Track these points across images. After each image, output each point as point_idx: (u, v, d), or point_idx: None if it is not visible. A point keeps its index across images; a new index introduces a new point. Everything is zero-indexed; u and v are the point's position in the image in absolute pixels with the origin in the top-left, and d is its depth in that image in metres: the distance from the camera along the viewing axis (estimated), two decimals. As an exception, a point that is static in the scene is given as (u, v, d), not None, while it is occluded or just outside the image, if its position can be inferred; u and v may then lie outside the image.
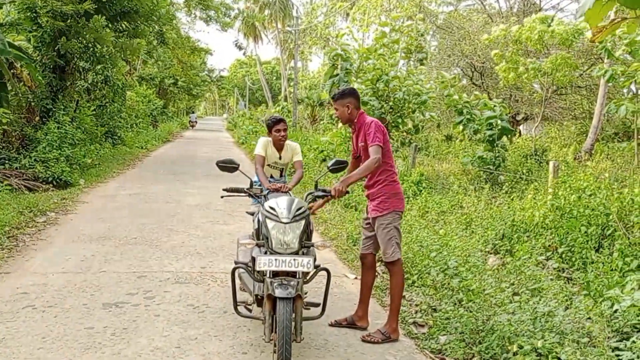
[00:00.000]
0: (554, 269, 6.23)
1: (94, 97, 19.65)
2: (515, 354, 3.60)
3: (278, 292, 3.28)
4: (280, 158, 5.21)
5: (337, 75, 16.07)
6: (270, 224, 3.55)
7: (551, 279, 5.64)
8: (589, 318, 4.08)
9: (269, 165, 5.24)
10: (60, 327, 4.18)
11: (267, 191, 4.25)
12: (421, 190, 10.99)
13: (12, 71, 14.55)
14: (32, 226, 7.49)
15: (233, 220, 8.47)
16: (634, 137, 12.38)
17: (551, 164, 8.89)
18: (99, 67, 18.08)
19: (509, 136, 14.78)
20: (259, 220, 3.83)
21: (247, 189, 4.10)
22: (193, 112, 57.45)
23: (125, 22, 15.99)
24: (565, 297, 4.76)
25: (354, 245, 7.08)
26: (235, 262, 4.22)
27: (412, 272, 5.58)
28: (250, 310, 3.95)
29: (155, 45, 18.27)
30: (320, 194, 4.01)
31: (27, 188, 10.48)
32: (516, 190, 11.75)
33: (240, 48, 55.77)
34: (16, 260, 5.95)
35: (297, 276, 3.49)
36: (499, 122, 13.43)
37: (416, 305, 4.89)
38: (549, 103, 20.99)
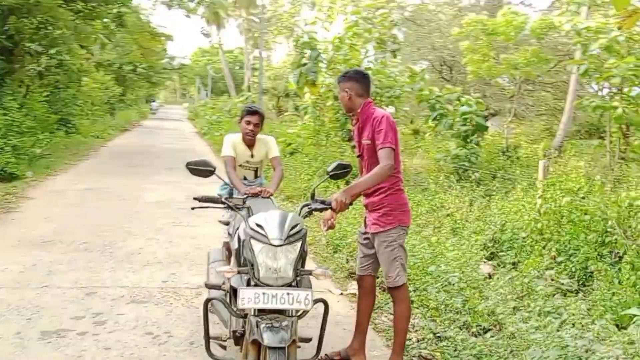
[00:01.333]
0: (555, 280, 5.66)
1: (47, 82, 18.39)
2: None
3: (268, 340, 2.49)
4: (252, 156, 4.41)
5: (305, 64, 15.30)
6: (256, 246, 2.68)
7: (560, 294, 5.08)
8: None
9: (240, 165, 4.39)
10: (-17, 367, 3.35)
11: (245, 196, 3.46)
12: (395, 188, 10.33)
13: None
14: (-35, 228, 6.53)
15: (198, 221, 7.64)
16: (607, 134, 12.09)
17: (541, 163, 8.30)
18: (52, 50, 16.87)
19: (482, 133, 14.33)
20: (239, 239, 2.99)
21: (226, 198, 3.17)
22: (154, 101, 59.00)
23: (82, 2, 14.84)
24: (587, 322, 4.15)
25: (335, 253, 6.37)
26: (207, 285, 3.46)
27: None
28: (224, 348, 3.19)
29: (113, 28, 17.07)
30: (319, 206, 3.09)
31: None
32: (495, 188, 11.26)
33: (207, 36, 54.21)
34: (-60, 272, 5.03)
35: (290, 313, 2.72)
36: (475, 118, 12.94)
37: (417, 331, 4.20)
38: (517, 99, 20.71)
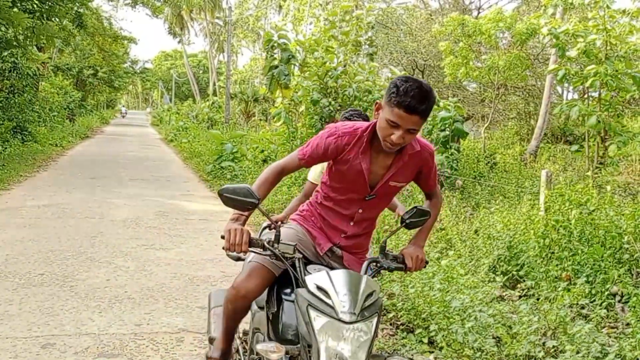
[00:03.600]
0: (574, 305, 5.06)
1: (0, 86, 17.20)
2: None
3: None
4: None
5: (277, 67, 14.61)
6: (318, 320, 1.92)
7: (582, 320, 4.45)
8: None
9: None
10: None
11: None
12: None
13: None
14: None
15: (172, 243, 6.80)
16: (586, 139, 11.77)
17: (543, 172, 7.73)
18: (5, 53, 15.74)
19: (460, 138, 13.85)
20: (279, 300, 2.30)
21: (270, 242, 2.21)
22: (123, 106, 66.43)
23: (37, 2, 13.78)
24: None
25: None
26: (210, 340, 2.77)
27: (429, 327, 4.16)
28: None
29: (71, 29, 16.02)
30: (392, 265, 2.32)
31: None
32: (480, 198, 10.73)
33: (175, 35, 52.94)
34: None
35: None
36: (454, 123, 12.46)
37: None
38: (491, 104, 20.38)
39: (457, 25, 16.96)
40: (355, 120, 3.14)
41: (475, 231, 7.39)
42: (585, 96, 14.27)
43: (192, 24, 55.35)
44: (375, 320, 1.97)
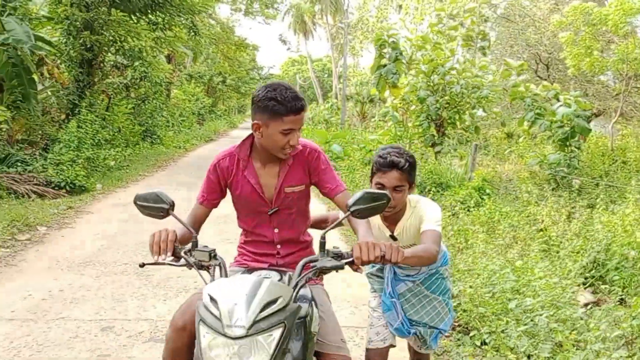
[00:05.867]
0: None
1: (133, 95, 18.71)
2: None
3: None
4: (394, 239, 2.62)
5: (385, 66, 14.44)
6: (206, 337, 1.61)
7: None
8: None
9: None
10: None
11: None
12: (483, 199, 9.22)
13: (44, 67, 13.72)
14: (9, 246, 6.19)
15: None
16: None
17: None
18: (137, 63, 17.10)
19: (584, 136, 12.79)
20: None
21: (187, 251, 2.01)
22: None
23: (159, 14, 14.80)
24: None
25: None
26: None
27: (482, 330, 3.91)
28: None
29: (188, 37, 17.07)
30: (331, 264, 1.88)
31: (37, 194, 9.36)
32: (598, 198, 9.88)
33: (284, 42, 54.53)
34: (-41, 300, 4.64)
35: None
36: (574, 119, 11.54)
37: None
38: (624, 97, 18.63)
39: (579, 15, 15.79)
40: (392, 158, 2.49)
41: (577, 233, 6.82)
42: None
43: (315, 28, 56.51)
44: (277, 332, 1.60)
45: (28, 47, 10.43)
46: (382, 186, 2.41)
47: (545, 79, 22.81)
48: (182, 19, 14.89)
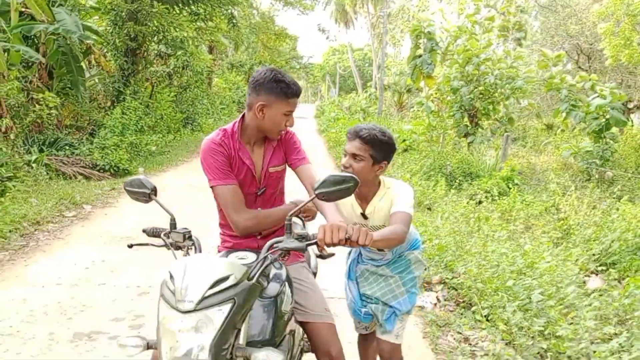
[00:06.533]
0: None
1: (176, 83, 19.35)
2: None
3: None
4: (365, 217, 2.64)
5: (420, 56, 14.55)
6: (162, 310, 1.71)
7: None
8: None
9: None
10: (1, 368, 3.27)
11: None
12: (510, 188, 9.39)
13: (91, 56, 14.40)
14: (57, 221, 6.76)
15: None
16: None
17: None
18: (179, 52, 17.69)
19: (620, 127, 12.69)
20: None
21: (166, 233, 2.23)
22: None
23: (201, 5, 15.31)
24: None
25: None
26: None
27: (482, 305, 4.21)
28: None
29: (227, 28, 17.58)
30: (293, 245, 1.91)
31: (83, 176, 9.99)
32: (628, 190, 9.92)
33: (323, 31, 54.70)
34: (15, 265, 5.17)
35: None
36: (609, 110, 11.49)
37: (483, 357, 3.55)
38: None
39: (620, 5, 15.59)
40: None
41: (596, 222, 6.98)
42: None
43: (356, 17, 56.48)
44: (226, 307, 1.67)
45: (77, 37, 11.01)
46: (345, 152, 2.52)
47: (586, 70, 22.49)
48: (223, 9, 15.37)
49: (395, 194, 2.51)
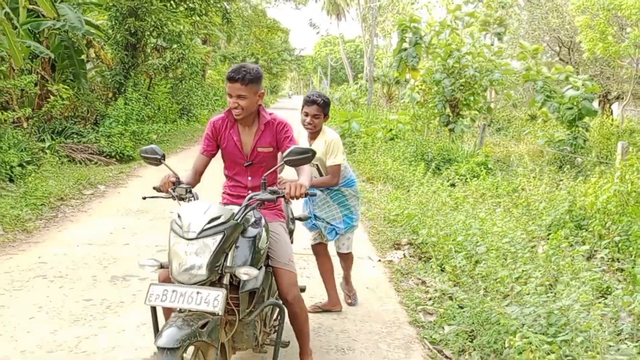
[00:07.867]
0: (605, 259, 5.65)
1: (171, 75, 20.16)
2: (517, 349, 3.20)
3: (158, 340, 2.22)
4: None
5: (406, 49, 15.44)
6: (172, 239, 2.45)
7: (601, 270, 5.08)
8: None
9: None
10: (60, 297, 4.21)
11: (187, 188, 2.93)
12: (482, 172, 10.37)
13: (91, 49, 15.22)
14: (78, 198, 7.70)
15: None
16: None
17: (620, 144, 8.13)
18: (175, 45, 18.51)
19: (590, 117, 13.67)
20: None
21: (171, 188, 2.88)
22: (291, 89, 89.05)
23: (196, 0, 16.18)
24: (602, 291, 4.26)
25: (390, 225, 6.76)
26: None
27: (436, 256, 5.21)
28: None
29: (222, 22, 18.45)
30: (267, 196, 2.68)
31: (91, 161, 10.87)
32: (587, 173, 10.90)
33: (314, 26, 55.43)
34: (50, 231, 6.12)
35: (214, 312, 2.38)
36: (581, 101, 12.43)
37: (429, 292, 4.54)
38: (635, 81, 19.24)
39: (596, 1, 16.49)
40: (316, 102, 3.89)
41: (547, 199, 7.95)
42: None
43: (348, 9, 57.25)
44: (218, 237, 2.38)
45: (81, 33, 11.82)
46: (306, 114, 3.86)
47: (568, 62, 23.48)
48: (217, 4, 16.24)
49: (329, 148, 3.88)
